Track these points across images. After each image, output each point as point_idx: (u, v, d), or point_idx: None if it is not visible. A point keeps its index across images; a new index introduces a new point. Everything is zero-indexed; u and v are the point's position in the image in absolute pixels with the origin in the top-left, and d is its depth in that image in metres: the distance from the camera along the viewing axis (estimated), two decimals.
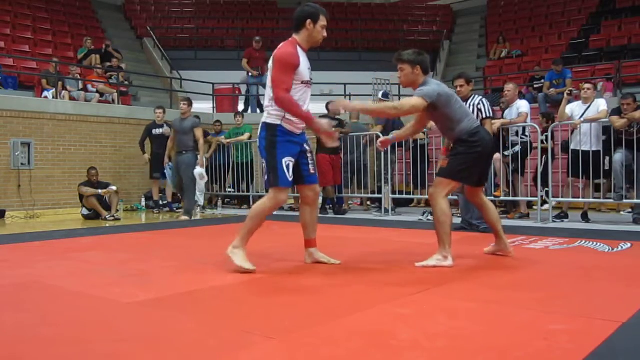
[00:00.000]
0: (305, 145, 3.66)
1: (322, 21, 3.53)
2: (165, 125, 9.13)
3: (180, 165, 7.76)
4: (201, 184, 9.51)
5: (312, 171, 3.71)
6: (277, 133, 3.51)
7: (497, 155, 6.75)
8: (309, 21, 3.50)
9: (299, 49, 3.52)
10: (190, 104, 7.89)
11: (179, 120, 7.85)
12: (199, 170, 7.84)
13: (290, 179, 3.55)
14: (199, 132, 7.80)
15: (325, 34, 3.57)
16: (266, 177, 3.62)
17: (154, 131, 9.04)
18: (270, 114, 3.54)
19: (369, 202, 8.94)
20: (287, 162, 3.51)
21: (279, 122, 3.51)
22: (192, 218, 7.81)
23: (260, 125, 3.61)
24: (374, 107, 3.80)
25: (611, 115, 6.32)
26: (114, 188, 8.04)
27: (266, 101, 3.59)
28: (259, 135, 3.63)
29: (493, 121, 6.17)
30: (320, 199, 8.63)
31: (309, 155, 3.70)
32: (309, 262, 3.85)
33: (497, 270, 3.64)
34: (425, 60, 3.67)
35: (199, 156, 7.86)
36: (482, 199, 4.00)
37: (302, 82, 3.50)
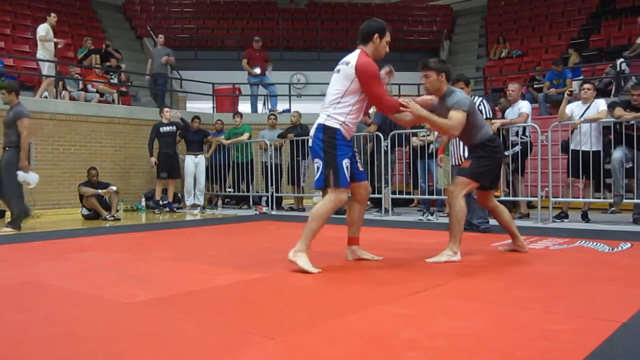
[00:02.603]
0: (353, 148, 3.80)
1: (387, 37, 3.65)
2: (170, 123, 9.17)
3: (1, 164, 6.48)
4: (202, 183, 9.55)
5: (361, 169, 3.83)
6: (336, 136, 3.58)
7: None
8: (376, 36, 3.60)
9: None
10: (10, 91, 6.50)
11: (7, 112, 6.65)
12: (23, 176, 6.32)
13: (349, 180, 3.63)
14: (22, 125, 6.30)
15: (388, 49, 3.67)
16: (319, 176, 3.63)
17: (161, 129, 9.07)
18: (331, 117, 3.59)
19: (368, 202, 8.93)
20: (347, 163, 3.60)
21: (338, 127, 3.58)
22: (20, 230, 6.38)
23: (316, 126, 3.65)
24: (437, 120, 3.83)
25: (616, 106, 6.38)
26: (114, 188, 8.04)
27: (326, 103, 3.64)
28: (314, 136, 3.65)
29: (493, 121, 6.18)
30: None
31: (356, 154, 3.81)
32: (350, 260, 3.94)
33: (497, 270, 3.65)
34: (449, 69, 3.90)
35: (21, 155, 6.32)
36: (494, 202, 4.22)
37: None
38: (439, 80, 3.83)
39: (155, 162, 9.03)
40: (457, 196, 3.86)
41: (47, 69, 9.54)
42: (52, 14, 9.76)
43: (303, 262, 3.53)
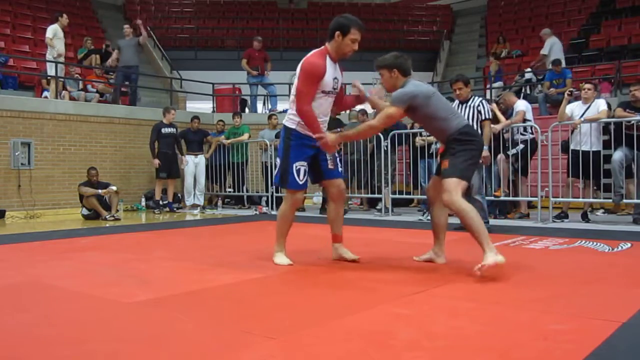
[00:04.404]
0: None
1: (353, 34, 3.55)
2: (171, 125, 9.19)
3: None
4: (202, 183, 9.56)
5: (330, 166, 3.76)
6: (291, 136, 3.68)
7: (500, 156, 6.75)
8: (337, 33, 3.56)
9: (327, 58, 3.59)
10: None
11: None
12: None
13: (301, 182, 3.67)
14: None
15: (355, 47, 3.58)
16: (276, 173, 3.80)
17: (162, 130, 9.07)
18: (289, 117, 3.72)
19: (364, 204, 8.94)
20: (298, 166, 3.65)
21: (294, 126, 3.67)
22: None
23: (282, 126, 3.81)
24: (352, 132, 3.71)
25: (618, 107, 6.44)
26: (114, 188, 8.04)
27: (289, 103, 3.73)
28: (280, 136, 3.84)
29: (494, 126, 6.18)
30: (320, 199, 8.63)
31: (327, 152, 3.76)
32: (334, 258, 3.93)
33: (496, 270, 3.64)
34: (402, 63, 3.58)
35: None
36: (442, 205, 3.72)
37: (323, 92, 3.59)
38: (392, 77, 3.58)
39: (159, 163, 9.01)
40: (456, 201, 3.44)
41: (52, 69, 9.52)
42: (64, 15, 9.72)
43: (278, 259, 3.75)
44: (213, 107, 12.14)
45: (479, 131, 5.41)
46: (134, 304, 2.78)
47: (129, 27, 10.89)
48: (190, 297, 2.93)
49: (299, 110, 3.57)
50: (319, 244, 4.17)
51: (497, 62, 12.00)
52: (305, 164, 3.67)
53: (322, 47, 3.65)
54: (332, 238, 3.97)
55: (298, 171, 3.64)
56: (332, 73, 3.60)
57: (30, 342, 2.19)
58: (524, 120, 6.91)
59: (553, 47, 10.82)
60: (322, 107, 3.64)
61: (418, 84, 3.56)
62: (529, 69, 11.39)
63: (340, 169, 3.88)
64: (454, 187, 3.43)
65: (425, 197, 7.50)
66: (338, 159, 3.85)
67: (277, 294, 3.02)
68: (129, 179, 9.79)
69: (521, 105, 7.00)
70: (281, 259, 3.76)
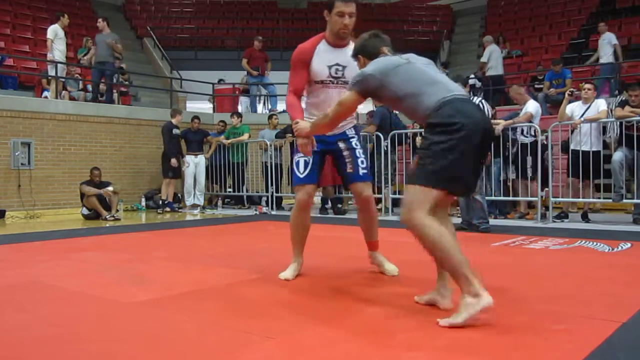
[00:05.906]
0: (339, 144, 3.32)
1: (337, 7, 3.09)
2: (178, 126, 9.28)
3: None
4: (202, 183, 9.56)
5: (349, 170, 3.30)
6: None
7: (510, 175, 6.68)
8: (325, 12, 3.17)
9: (322, 43, 3.22)
10: None
11: None
12: None
13: (302, 176, 3.27)
14: None
15: (345, 21, 3.10)
16: None
17: (173, 131, 9.13)
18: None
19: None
20: (298, 158, 3.30)
21: None
22: None
23: None
24: (311, 126, 3.06)
25: (617, 106, 6.43)
26: (111, 188, 8.05)
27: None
28: None
29: (497, 121, 6.17)
30: (320, 199, 8.63)
31: (345, 153, 3.32)
32: (372, 264, 3.56)
33: (497, 270, 3.64)
34: (363, 46, 2.87)
35: None
36: (444, 216, 2.75)
37: (316, 82, 3.24)
38: (361, 64, 2.87)
39: (174, 163, 9.01)
40: (416, 218, 2.48)
41: (52, 69, 9.52)
42: (65, 15, 9.70)
43: (284, 272, 3.38)
44: (213, 107, 12.14)
45: None
46: (134, 304, 2.78)
47: (102, 20, 10.08)
48: (190, 297, 2.93)
49: (287, 101, 3.33)
50: (318, 244, 4.16)
51: (446, 70, 12.36)
52: (305, 157, 3.27)
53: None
54: (367, 245, 3.56)
55: (297, 163, 3.28)
56: (328, 59, 3.20)
57: (30, 342, 2.19)
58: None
59: (492, 55, 11.42)
60: (327, 101, 3.18)
61: (378, 60, 2.70)
62: (472, 75, 11.71)
63: (362, 172, 3.32)
64: (414, 199, 2.49)
65: None
66: (360, 159, 3.33)
67: (276, 294, 3.02)
68: (128, 179, 9.80)
69: (531, 107, 6.79)
70: (286, 271, 3.36)
